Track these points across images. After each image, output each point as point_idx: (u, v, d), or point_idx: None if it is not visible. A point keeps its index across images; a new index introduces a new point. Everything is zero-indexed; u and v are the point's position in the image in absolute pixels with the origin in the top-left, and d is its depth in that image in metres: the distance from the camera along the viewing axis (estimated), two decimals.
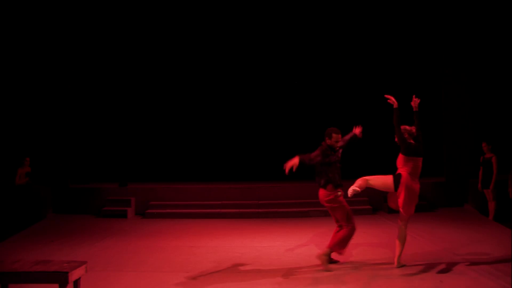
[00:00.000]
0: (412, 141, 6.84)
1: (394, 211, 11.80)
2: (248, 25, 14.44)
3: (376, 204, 12.23)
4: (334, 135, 7.05)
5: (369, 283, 6.08)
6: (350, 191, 6.63)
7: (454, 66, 13.05)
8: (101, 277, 6.45)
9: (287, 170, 6.58)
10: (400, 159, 6.84)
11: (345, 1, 14.13)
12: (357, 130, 7.51)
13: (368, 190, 12.46)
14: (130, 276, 6.60)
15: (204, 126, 14.80)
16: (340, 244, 6.90)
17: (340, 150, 7.21)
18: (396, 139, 6.88)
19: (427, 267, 6.68)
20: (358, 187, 6.66)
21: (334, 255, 7.05)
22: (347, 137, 7.43)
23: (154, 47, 14.60)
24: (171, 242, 8.93)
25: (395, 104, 6.93)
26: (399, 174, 6.75)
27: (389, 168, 7.18)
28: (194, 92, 14.84)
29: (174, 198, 12.56)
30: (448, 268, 6.62)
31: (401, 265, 6.74)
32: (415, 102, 6.92)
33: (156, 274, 6.69)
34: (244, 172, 14.19)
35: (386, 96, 7.03)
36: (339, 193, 6.93)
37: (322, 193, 6.98)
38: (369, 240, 8.78)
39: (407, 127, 6.88)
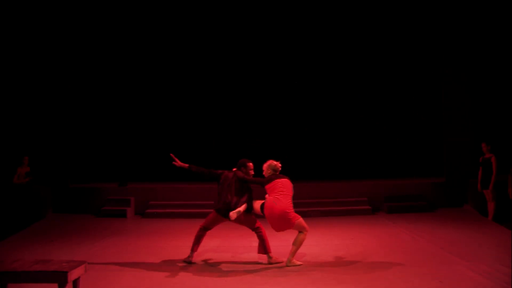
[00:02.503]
0: (273, 173, 7.23)
1: (393, 211, 11.89)
2: (249, 25, 14.44)
3: (376, 204, 12.23)
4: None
5: (368, 283, 6.08)
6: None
7: (454, 66, 13.04)
8: (100, 277, 6.44)
9: None
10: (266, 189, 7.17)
11: (345, 1, 14.14)
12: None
13: (368, 191, 12.62)
14: (129, 276, 6.60)
15: (203, 126, 14.79)
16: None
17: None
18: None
19: (427, 267, 6.68)
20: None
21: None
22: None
23: (154, 47, 14.59)
24: (171, 242, 8.94)
25: (185, 165, 7.43)
26: (263, 204, 7.05)
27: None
28: (194, 92, 14.83)
29: (174, 198, 12.56)
30: (448, 268, 6.62)
31: (292, 264, 6.93)
32: None
33: (156, 274, 6.69)
34: None
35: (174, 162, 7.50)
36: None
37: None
38: (368, 240, 8.78)
39: (273, 162, 7.28)
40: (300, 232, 7.04)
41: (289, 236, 7.69)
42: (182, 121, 14.78)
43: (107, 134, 14.68)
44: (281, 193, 6.95)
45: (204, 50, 14.65)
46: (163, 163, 14.58)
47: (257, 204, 7.17)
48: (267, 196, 7.06)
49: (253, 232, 7.32)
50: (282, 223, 6.95)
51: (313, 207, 11.57)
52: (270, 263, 7.12)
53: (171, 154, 7.57)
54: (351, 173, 14.23)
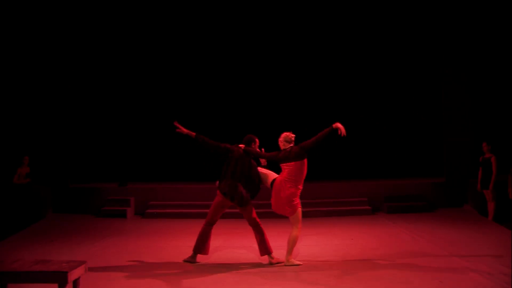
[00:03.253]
0: (287, 147, 7.13)
1: (393, 211, 11.90)
2: (250, 26, 14.44)
3: (376, 204, 12.23)
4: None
5: (368, 283, 6.07)
6: None
7: (454, 66, 13.05)
8: (100, 277, 6.44)
9: None
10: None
11: (345, 1, 14.14)
12: None
13: (368, 191, 12.62)
14: (129, 276, 6.59)
15: (204, 126, 14.73)
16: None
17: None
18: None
19: (427, 268, 6.68)
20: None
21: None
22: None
23: (154, 47, 14.59)
24: (171, 242, 8.94)
25: (192, 134, 7.35)
26: (274, 179, 7.09)
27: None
28: (193, 92, 14.83)
29: (174, 198, 12.56)
30: (448, 268, 6.62)
31: (290, 263, 6.95)
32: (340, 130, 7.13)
33: (156, 274, 6.68)
34: None
35: (177, 127, 7.39)
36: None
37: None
38: (368, 240, 8.78)
39: (286, 133, 7.21)
40: (294, 227, 7.01)
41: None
42: (182, 121, 14.69)
43: (106, 134, 14.68)
44: (290, 178, 6.95)
45: (204, 51, 14.65)
46: (163, 163, 14.73)
47: (270, 179, 7.15)
48: (279, 176, 7.05)
49: (252, 230, 7.26)
50: (283, 205, 6.96)
51: (313, 207, 11.56)
52: (271, 264, 7.09)
53: (175, 122, 7.33)
54: (351, 173, 14.24)
